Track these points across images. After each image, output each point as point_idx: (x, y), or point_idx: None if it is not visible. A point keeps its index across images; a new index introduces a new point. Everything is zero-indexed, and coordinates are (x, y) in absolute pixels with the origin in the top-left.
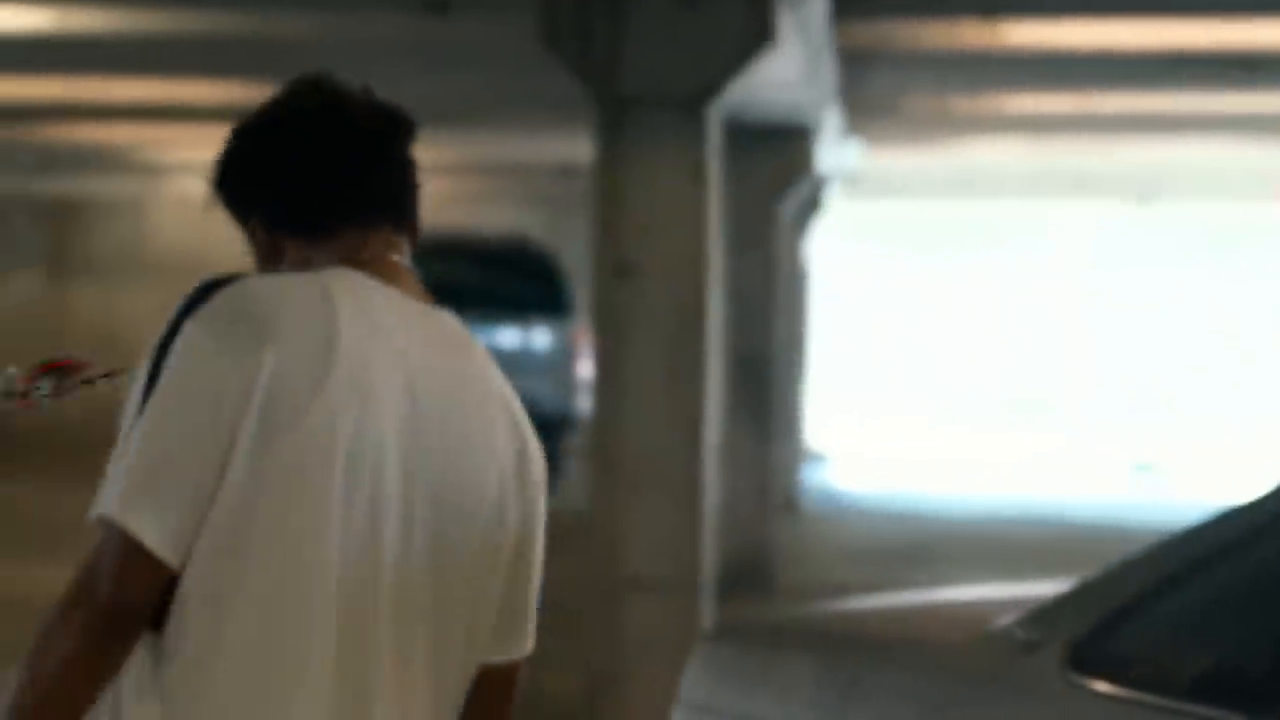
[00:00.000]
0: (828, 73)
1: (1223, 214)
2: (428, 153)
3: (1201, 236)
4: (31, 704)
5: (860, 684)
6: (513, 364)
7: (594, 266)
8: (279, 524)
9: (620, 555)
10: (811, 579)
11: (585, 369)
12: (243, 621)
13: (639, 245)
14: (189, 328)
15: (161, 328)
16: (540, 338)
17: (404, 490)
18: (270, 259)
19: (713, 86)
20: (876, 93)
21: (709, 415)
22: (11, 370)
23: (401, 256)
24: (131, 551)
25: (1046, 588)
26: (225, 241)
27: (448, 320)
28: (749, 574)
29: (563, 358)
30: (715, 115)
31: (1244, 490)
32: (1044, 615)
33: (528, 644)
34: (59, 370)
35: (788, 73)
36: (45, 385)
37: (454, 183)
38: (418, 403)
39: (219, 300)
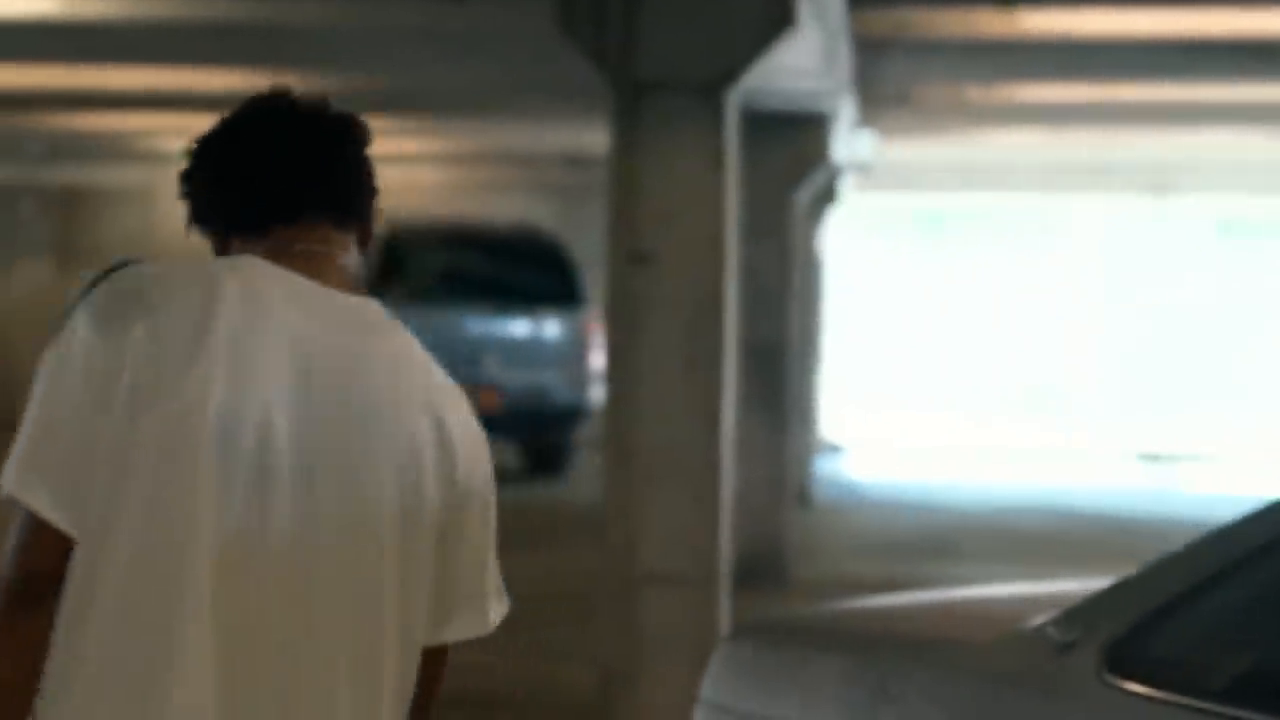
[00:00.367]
0: (844, 60)
1: (1238, 206)
2: (438, 142)
3: (1216, 228)
4: None
5: (889, 686)
6: (524, 355)
7: (608, 254)
8: (146, 495)
9: (636, 548)
10: (825, 572)
11: (597, 360)
12: (111, 592)
13: (655, 233)
14: (77, 308)
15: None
16: (552, 328)
17: (297, 468)
18: (220, 254)
19: (732, 71)
20: (891, 82)
21: (727, 406)
22: None
23: (337, 250)
24: (32, 523)
25: (1079, 585)
26: None
27: (367, 308)
28: (762, 567)
29: (575, 348)
30: (734, 101)
31: (1256, 482)
32: (1079, 615)
33: (481, 625)
34: None
35: (805, 59)
36: None
37: (465, 172)
38: (313, 383)
39: (106, 282)
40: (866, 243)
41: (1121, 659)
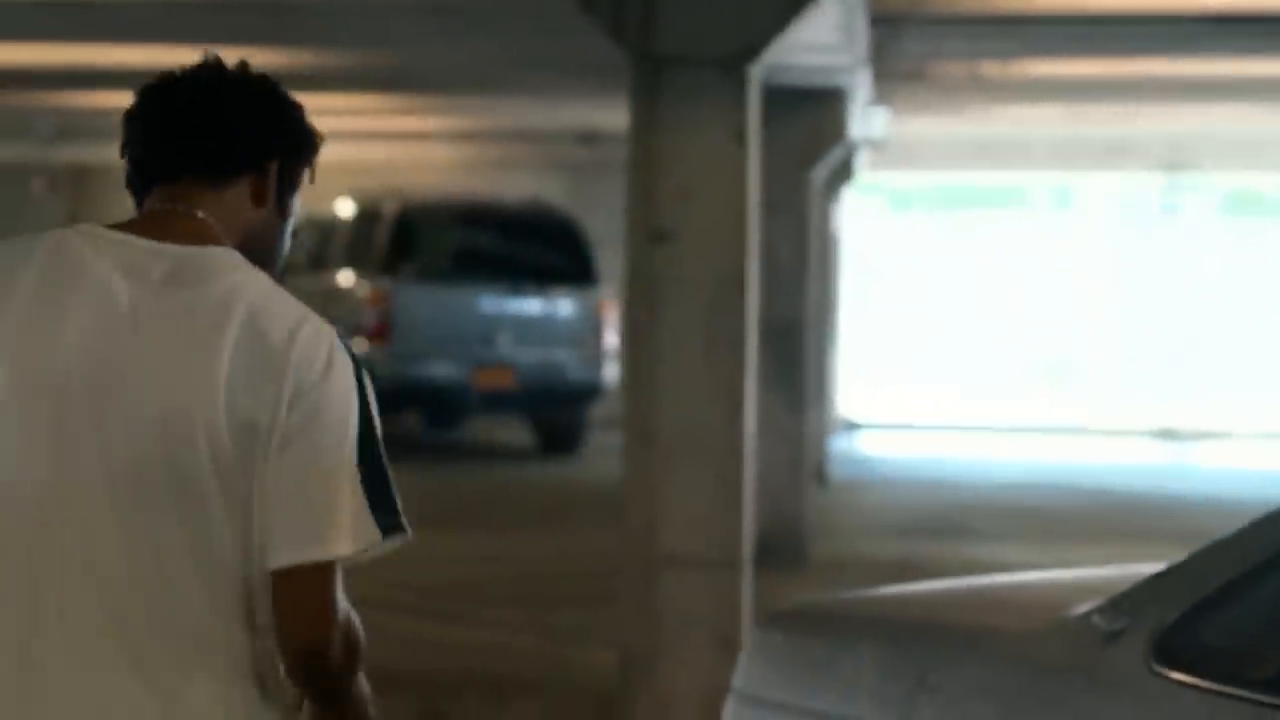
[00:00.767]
0: (862, 35)
1: (1254, 182)
2: (450, 119)
3: (1232, 205)
4: None
5: (929, 677)
6: (538, 333)
7: (627, 232)
8: None
9: (656, 531)
10: (843, 551)
11: (611, 338)
12: None
13: (676, 210)
14: None
15: None
16: (565, 306)
17: (92, 412)
18: (136, 214)
19: (755, 46)
20: (906, 58)
21: (749, 386)
22: None
23: (197, 205)
24: None
25: (1121, 571)
26: None
27: (203, 257)
28: (780, 547)
29: (588, 326)
30: (756, 76)
31: (1272, 459)
32: (1126, 602)
33: (322, 549)
34: None
35: (823, 34)
36: None
37: (477, 149)
38: (119, 333)
39: None
40: (882, 220)
41: (1170, 648)
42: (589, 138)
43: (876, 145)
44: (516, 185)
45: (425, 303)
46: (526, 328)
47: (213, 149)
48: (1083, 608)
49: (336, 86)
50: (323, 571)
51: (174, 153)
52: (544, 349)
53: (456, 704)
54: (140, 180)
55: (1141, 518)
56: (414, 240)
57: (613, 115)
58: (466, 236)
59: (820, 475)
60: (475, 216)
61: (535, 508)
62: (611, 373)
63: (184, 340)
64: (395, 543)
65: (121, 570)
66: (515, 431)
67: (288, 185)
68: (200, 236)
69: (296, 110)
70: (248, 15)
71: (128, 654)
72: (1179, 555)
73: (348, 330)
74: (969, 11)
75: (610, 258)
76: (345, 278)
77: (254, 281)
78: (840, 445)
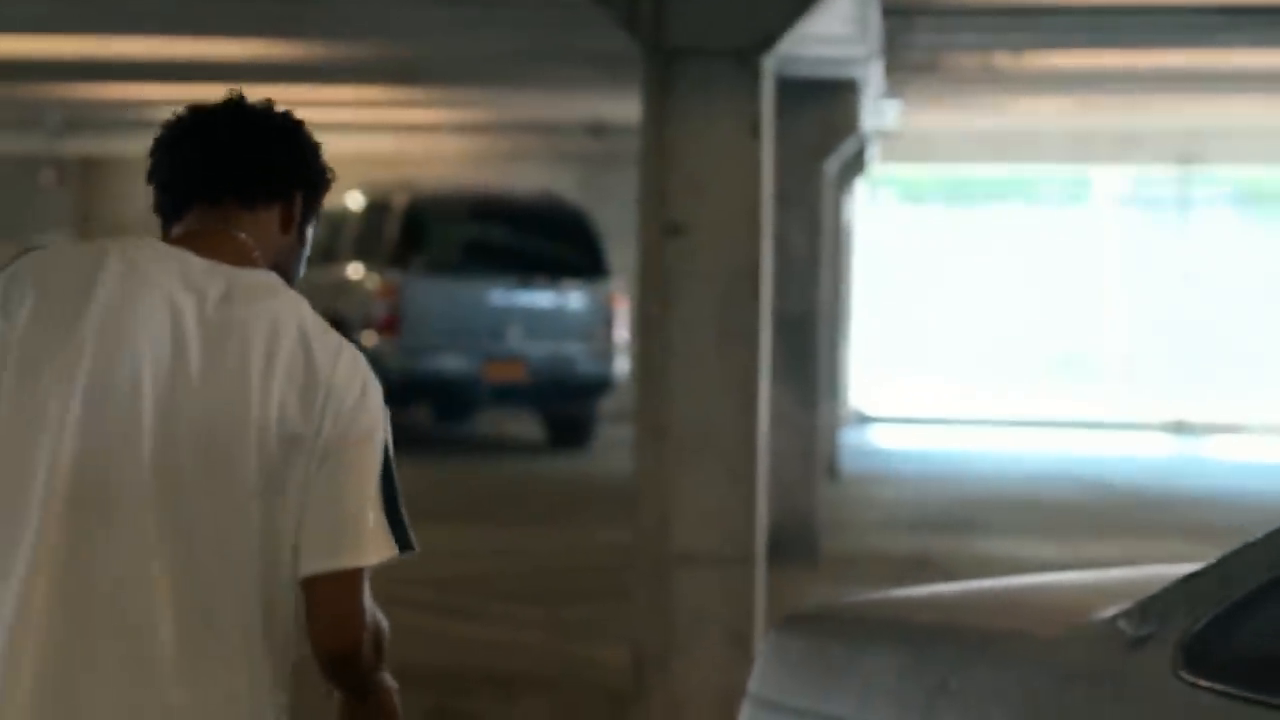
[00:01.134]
0: (875, 27)
1: (1268, 174)
2: (459, 111)
3: (1245, 197)
4: None
5: (950, 681)
6: (548, 326)
7: (640, 225)
8: (13, 445)
9: (669, 528)
10: (855, 546)
11: (621, 331)
12: None
13: (689, 203)
14: None
15: None
16: (576, 299)
17: (162, 417)
18: (165, 235)
19: (770, 37)
20: (919, 50)
21: (763, 381)
22: None
23: (235, 228)
24: None
25: (1147, 572)
26: None
27: (252, 278)
28: (792, 542)
29: (599, 319)
30: (770, 67)
31: None
32: (1153, 607)
33: (353, 556)
34: None
35: (837, 25)
36: None
37: (486, 141)
38: (186, 345)
39: (10, 265)
40: (893, 213)
41: (1199, 655)
42: (599, 130)
43: (889, 138)
44: (526, 177)
45: (435, 295)
46: (537, 321)
47: (254, 177)
48: (1108, 611)
49: (346, 79)
50: (352, 578)
51: (217, 178)
52: (554, 342)
53: (466, 700)
54: (172, 203)
55: (1153, 512)
56: (424, 233)
57: (623, 107)
58: (476, 229)
59: (832, 469)
60: (485, 209)
61: (545, 502)
62: (622, 366)
63: (240, 355)
64: (406, 556)
65: (161, 568)
66: (525, 425)
67: (308, 215)
68: (244, 257)
69: (318, 147)
70: (258, 8)
71: (162, 649)
72: (1191, 549)
73: (357, 323)
74: (982, 3)
75: (621, 250)
76: (355, 270)
77: (298, 306)
78: (852, 439)
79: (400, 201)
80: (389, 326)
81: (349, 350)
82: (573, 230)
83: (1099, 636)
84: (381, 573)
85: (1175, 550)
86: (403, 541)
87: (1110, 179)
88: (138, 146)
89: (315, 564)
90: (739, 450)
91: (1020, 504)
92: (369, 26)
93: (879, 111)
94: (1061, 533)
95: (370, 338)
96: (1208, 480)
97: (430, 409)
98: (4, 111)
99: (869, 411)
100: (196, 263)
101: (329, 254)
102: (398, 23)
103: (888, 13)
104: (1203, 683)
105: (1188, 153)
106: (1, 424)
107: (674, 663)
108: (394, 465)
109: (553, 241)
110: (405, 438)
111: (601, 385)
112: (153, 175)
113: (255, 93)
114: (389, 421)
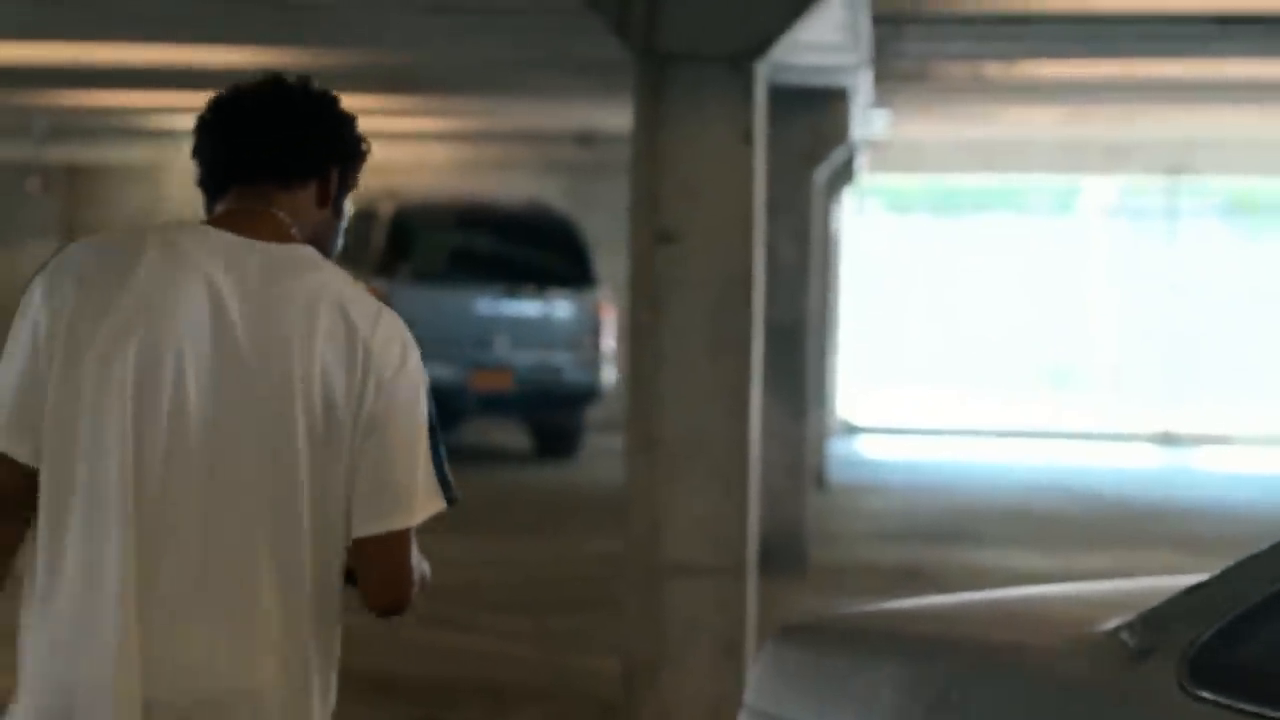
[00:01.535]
0: (866, 35)
1: (1258, 186)
2: (448, 119)
3: (1235, 208)
4: None
5: (950, 694)
6: (535, 335)
7: (631, 232)
8: (89, 426)
9: (660, 538)
10: (844, 557)
11: (609, 340)
12: (79, 503)
13: (681, 210)
14: (34, 282)
15: None
16: (563, 308)
17: (209, 389)
18: (208, 212)
19: (764, 43)
20: (908, 58)
21: (754, 390)
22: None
23: (274, 206)
24: None
25: (1152, 584)
26: None
27: (291, 253)
28: (780, 552)
29: (586, 328)
30: (763, 74)
31: (1274, 464)
32: (1156, 618)
33: (404, 518)
34: None
35: (828, 33)
36: None
37: (474, 150)
38: (226, 321)
39: (53, 258)
40: (882, 222)
41: (1203, 668)
42: (587, 139)
43: (877, 147)
44: (514, 186)
45: (421, 304)
46: (524, 330)
47: (289, 156)
48: (1111, 623)
49: (335, 86)
50: (401, 538)
51: (253, 158)
52: (542, 351)
53: (457, 711)
54: (213, 182)
55: (1142, 523)
56: (410, 241)
57: (612, 116)
58: (463, 237)
59: (820, 479)
60: (472, 217)
61: (533, 511)
62: (610, 375)
63: (281, 327)
64: (452, 507)
65: (212, 534)
66: (512, 434)
67: (344, 189)
68: (282, 234)
69: (353, 121)
70: (248, 14)
71: (215, 607)
72: (1181, 561)
73: None
74: (972, 12)
75: (609, 259)
76: None
77: (336, 277)
78: (840, 449)
79: (387, 210)
80: None
81: (388, 314)
82: (560, 239)
83: (1102, 649)
84: None
85: (1165, 561)
86: (449, 495)
87: (1100, 189)
88: (124, 154)
89: (367, 527)
90: (731, 459)
91: (1009, 515)
92: (358, 34)
93: (867, 120)
94: (1051, 543)
95: None
96: (1196, 491)
97: None
98: None
99: (857, 422)
100: (235, 241)
101: None
102: (386, 30)
103: (877, 21)
104: (1207, 695)
105: (1178, 163)
106: (55, 409)
107: (665, 673)
108: (436, 421)
109: (540, 250)
110: None
111: (589, 394)
112: (195, 154)
113: None
114: (427, 379)
